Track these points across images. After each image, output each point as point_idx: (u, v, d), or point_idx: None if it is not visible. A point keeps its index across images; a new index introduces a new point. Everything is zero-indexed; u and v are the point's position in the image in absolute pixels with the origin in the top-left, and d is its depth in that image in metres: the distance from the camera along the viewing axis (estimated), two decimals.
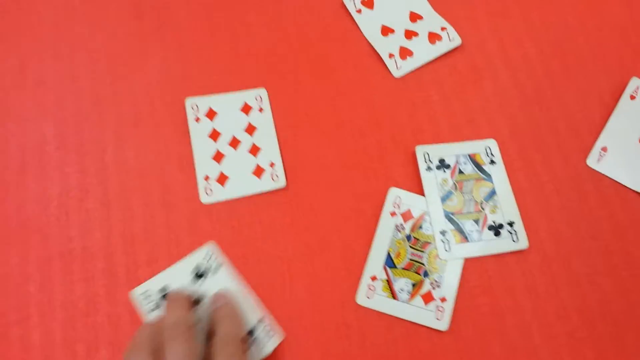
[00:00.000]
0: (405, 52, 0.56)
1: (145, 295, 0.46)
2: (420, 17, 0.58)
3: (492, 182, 0.51)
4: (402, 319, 0.47)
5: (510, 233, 0.50)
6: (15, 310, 0.47)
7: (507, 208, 0.51)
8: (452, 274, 0.48)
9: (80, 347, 0.46)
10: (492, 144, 0.53)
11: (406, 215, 0.50)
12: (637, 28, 0.58)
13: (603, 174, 0.53)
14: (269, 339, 0.45)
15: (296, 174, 0.52)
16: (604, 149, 0.53)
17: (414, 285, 0.48)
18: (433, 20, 0.57)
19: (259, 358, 0.45)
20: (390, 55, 0.56)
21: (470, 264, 0.49)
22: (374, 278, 0.48)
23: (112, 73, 0.55)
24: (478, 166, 0.52)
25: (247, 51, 0.56)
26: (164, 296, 0.46)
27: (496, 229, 0.50)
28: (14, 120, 0.53)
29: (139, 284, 0.47)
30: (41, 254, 0.48)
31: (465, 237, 0.50)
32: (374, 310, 0.47)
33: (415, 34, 0.57)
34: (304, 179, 0.52)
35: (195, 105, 0.54)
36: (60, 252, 0.48)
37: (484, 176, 0.52)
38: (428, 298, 0.48)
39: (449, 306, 0.47)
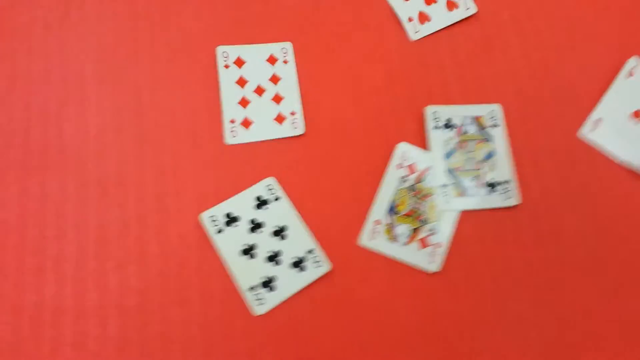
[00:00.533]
0: (424, 17, 0.60)
1: (213, 219, 0.51)
2: None
3: (493, 143, 0.56)
4: (398, 260, 0.53)
5: (505, 190, 0.55)
6: (53, 227, 0.52)
7: (503, 167, 0.55)
8: (448, 224, 0.54)
9: (110, 265, 0.51)
10: (497, 108, 0.57)
11: (411, 168, 0.55)
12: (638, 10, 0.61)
13: (595, 144, 0.57)
14: (316, 269, 0.51)
15: (314, 124, 0.56)
16: (599, 121, 0.57)
17: (413, 230, 0.53)
18: None
19: (303, 284, 0.51)
20: (410, 19, 0.60)
21: (465, 216, 0.54)
22: (377, 222, 0.53)
23: (150, 16, 0.59)
24: (482, 128, 0.56)
25: (276, 6, 0.60)
26: (228, 221, 0.51)
27: (492, 186, 0.55)
28: (56, 56, 0.57)
29: (167, 213, 0.52)
30: (78, 179, 0.53)
31: (463, 191, 0.54)
32: (375, 252, 0.53)
33: (435, 1, 0.60)
34: (321, 129, 0.56)
35: (226, 53, 0.58)
36: (96, 179, 0.53)
37: (485, 137, 0.56)
38: (424, 243, 0.53)
39: (442, 251, 0.53)
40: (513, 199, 0.54)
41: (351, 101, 0.57)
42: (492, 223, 0.54)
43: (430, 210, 0.54)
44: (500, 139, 0.56)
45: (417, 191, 0.54)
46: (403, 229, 0.53)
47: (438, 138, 0.56)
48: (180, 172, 0.54)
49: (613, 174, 0.56)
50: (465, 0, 0.60)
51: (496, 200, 0.54)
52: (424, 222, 0.53)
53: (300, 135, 0.56)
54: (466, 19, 0.60)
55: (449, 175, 0.55)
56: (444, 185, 0.55)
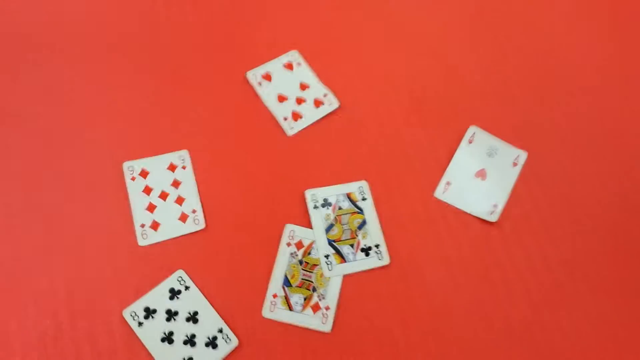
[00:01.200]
0: (296, 115, 0.72)
1: (133, 314, 0.61)
2: (307, 86, 0.73)
3: (363, 214, 0.68)
4: (297, 326, 0.63)
5: (377, 253, 0.66)
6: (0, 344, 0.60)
7: (374, 234, 0.67)
8: (334, 288, 0.64)
9: None
10: (364, 184, 0.69)
11: (299, 245, 0.66)
12: (474, 81, 0.76)
13: (447, 203, 0.69)
14: (227, 345, 0.60)
15: (214, 218, 0.67)
16: (448, 183, 0.70)
17: (305, 298, 0.64)
18: (317, 89, 0.73)
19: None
20: (285, 118, 0.71)
21: (348, 279, 0.65)
22: (275, 295, 0.64)
23: (65, 142, 0.68)
24: (353, 202, 0.68)
25: (171, 119, 0.71)
26: (147, 315, 0.61)
27: (366, 251, 0.66)
28: None
29: (94, 315, 0.61)
30: (16, 295, 0.62)
31: (343, 258, 0.66)
32: (276, 321, 0.63)
33: (304, 100, 0.72)
34: (220, 221, 0.67)
35: (132, 167, 0.68)
36: (31, 292, 0.62)
37: (357, 210, 0.68)
38: (316, 308, 0.63)
39: (331, 313, 0.63)
40: (384, 260, 0.66)
41: (243, 194, 0.68)
42: (370, 282, 0.65)
43: (318, 279, 0.64)
44: (369, 209, 0.68)
45: (305, 263, 0.65)
46: (297, 298, 0.64)
47: (318, 215, 0.67)
48: (102, 276, 0.63)
49: (467, 227, 0.69)
50: (329, 97, 0.73)
51: (370, 262, 0.66)
52: (314, 289, 0.64)
53: (202, 229, 0.66)
54: (331, 112, 0.72)
55: (330, 246, 0.66)
56: (327, 255, 0.65)
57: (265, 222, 0.67)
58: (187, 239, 0.66)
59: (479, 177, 0.71)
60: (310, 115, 0.72)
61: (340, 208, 0.68)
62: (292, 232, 0.66)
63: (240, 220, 0.67)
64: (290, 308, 0.63)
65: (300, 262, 0.65)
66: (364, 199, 0.68)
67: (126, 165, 0.68)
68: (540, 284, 0.67)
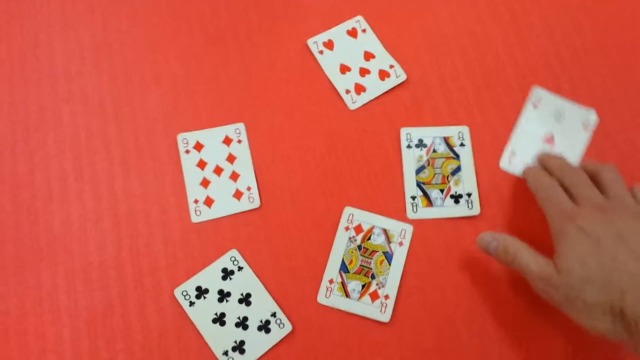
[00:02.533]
0: (359, 88, 0.67)
1: (184, 293, 0.59)
2: (373, 56, 0.68)
3: (459, 160, 0.64)
4: (353, 314, 0.59)
5: (467, 202, 0.62)
6: (49, 313, 0.60)
7: (467, 182, 0.63)
8: (394, 277, 0.60)
9: (101, 342, 0.59)
10: (464, 129, 0.65)
11: (357, 229, 0.62)
12: (518, 39, 0.70)
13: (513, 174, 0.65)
14: (280, 330, 0.58)
15: (269, 196, 0.63)
16: (514, 152, 0.65)
17: (363, 286, 0.60)
18: (384, 59, 0.68)
19: (269, 345, 0.58)
20: (347, 91, 0.67)
21: (409, 270, 0.61)
22: (331, 281, 0.60)
23: (116, 111, 0.66)
24: (450, 147, 0.64)
25: (227, 91, 0.67)
26: (198, 294, 0.59)
27: (456, 198, 0.62)
28: (39, 156, 0.65)
29: (145, 292, 0.59)
30: (67, 268, 0.61)
31: (430, 203, 0.62)
32: (332, 308, 0.60)
33: (368, 72, 0.67)
34: (275, 200, 0.63)
35: (185, 139, 0.65)
36: (82, 266, 0.61)
37: (453, 155, 0.64)
38: (374, 296, 0.60)
39: (391, 302, 0.60)
40: (474, 210, 0.62)
41: (300, 171, 0.64)
42: (432, 271, 0.61)
43: (378, 266, 0.61)
44: (466, 156, 0.64)
45: (364, 249, 0.61)
46: (354, 285, 0.60)
47: (410, 155, 0.64)
48: (153, 253, 0.61)
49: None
50: (396, 69, 0.67)
51: (459, 211, 0.62)
52: (373, 276, 0.60)
53: (257, 208, 0.63)
54: (398, 85, 0.67)
55: (418, 188, 0.62)
56: (414, 197, 0.62)
57: (323, 203, 0.63)
58: (241, 217, 0.63)
59: (547, 143, 0.65)
60: (375, 88, 0.67)
61: (434, 151, 0.64)
62: (352, 215, 0.62)
63: (297, 200, 0.63)
64: (347, 295, 0.60)
65: (359, 247, 0.61)
66: (462, 145, 0.64)
67: (180, 137, 0.65)
68: None
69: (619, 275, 0.47)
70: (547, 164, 0.61)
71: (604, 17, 0.72)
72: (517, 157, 0.64)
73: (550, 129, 0.65)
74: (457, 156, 0.64)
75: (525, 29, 0.71)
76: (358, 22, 0.70)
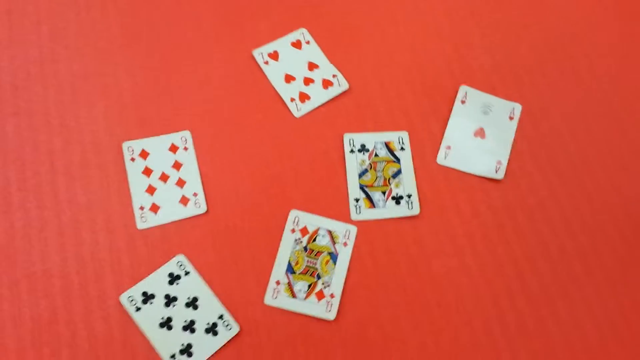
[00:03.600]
0: (304, 97, 0.69)
1: (130, 299, 0.58)
2: (316, 66, 0.71)
3: (400, 163, 0.66)
4: (300, 314, 0.60)
5: (407, 202, 0.65)
6: None
7: (408, 184, 0.66)
8: (339, 276, 0.62)
9: (46, 350, 0.58)
10: (404, 135, 0.68)
11: (303, 231, 0.63)
12: (454, 44, 0.74)
13: (451, 167, 0.68)
14: (227, 331, 0.58)
15: (216, 201, 0.64)
16: (449, 147, 0.68)
17: (309, 286, 0.61)
18: (327, 69, 0.70)
19: (216, 347, 0.58)
20: (292, 99, 0.69)
21: (353, 267, 0.62)
22: (278, 282, 0.61)
23: (61, 122, 0.66)
24: (391, 151, 0.67)
25: (173, 99, 0.68)
26: (145, 299, 0.59)
27: (397, 199, 0.65)
28: None
29: (90, 299, 0.59)
30: (10, 277, 0.60)
31: (373, 204, 0.64)
32: (278, 308, 0.60)
33: (312, 81, 0.70)
34: (222, 205, 0.64)
35: (131, 147, 0.66)
36: (25, 274, 0.60)
37: (394, 159, 0.66)
38: (320, 295, 0.61)
39: (336, 301, 0.61)
40: (414, 210, 0.64)
41: (247, 177, 0.65)
42: (375, 271, 0.62)
43: (323, 266, 0.62)
44: (406, 160, 0.67)
45: (310, 250, 0.62)
46: (301, 285, 0.61)
47: (353, 160, 0.66)
48: (98, 260, 0.61)
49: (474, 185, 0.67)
50: (338, 79, 0.70)
51: (400, 211, 0.65)
52: (319, 276, 0.62)
53: (203, 213, 0.64)
54: (341, 94, 0.69)
55: (361, 190, 0.64)
56: (357, 199, 0.64)
57: (269, 207, 0.65)
58: (187, 222, 0.63)
59: (478, 136, 0.68)
60: (319, 96, 0.69)
61: (376, 155, 0.66)
62: (297, 218, 0.64)
63: (244, 205, 0.64)
64: (293, 295, 0.61)
65: (305, 248, 0.63)
66: (402, 149, 0.67)
67: (126, 145, 0.66)
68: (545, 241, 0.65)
69: None
70: None
71: (529, 21, 0.76)
72: (452, 151, 0.67)
73: (479, 123, 0.69)
74: (398, 160, 0.67)
75: (458, 35, 0.74)
76: (302, 34, 0.72)
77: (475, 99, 0.70)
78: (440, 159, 0.67)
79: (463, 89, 0.70)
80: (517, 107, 0.70)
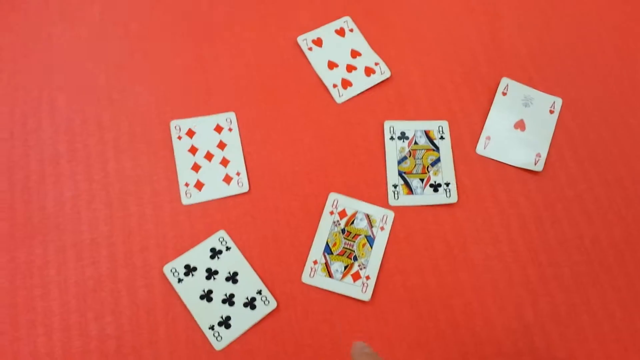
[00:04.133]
0: (346, 83, 0.70)
1: (173, 271, 0.61)
2: (359, 54, 0.72)
3: (439, 152, 0.67)
4: (336, 293, 0.62)
5: (446, 190, 0.66)
6: (39, 287, 0.61)
7: (446, 172, 0.67)
8: (376, 259, 0.63)
9: (90, 315, 0.60)
10: (444, 124, 0.68)
11: (342, 214, 0.65)
12: (492, 38, 0.74)
13: (490, 158, 0.69)
14: (265, 306, 0.60)
15: (258, 181, 0.66)
16: (488, 138, 0.69)
17: (346, 267, 0.63)
18: (369, 57, 0.72)
19: (254, 321, 0.60)
20: (334, 86, 0.70)
21: (390, 251, 0.64)
22: (315, 262, 0.63)
23: (110, 97, 0.69)
24: (430, 140, 0.68)
25: (219, 81, 0.70)
26: (187, 272, 0.61)
27: (435, 187, 0.66)
28: (33, 139, 0.67)
29: (134, 269, 0.61)
30: (58, 244, 0.63)
31: (411, 191, 0.66)
32: (315, 287, 0.62)
33: (355, 68, 0.71)
34: (263, 185, 0.66)
35: (178, 126, 0.68)
36: (73, 243, 0.63)
37: (433, 147, 0.67)
38: (356, 277, 0.62)
39: (372, 283, 0.62)
40: (452, 198, 0.65)
41: (289, 159, 0.67)
42: (412, 255, 0.64)
43: (360, 248, 0.63)
44: (445, 149, 0.68)
45: (347, 232, 0.64)
46: (337, 265, 0.63)
47: (393, 147, 0.67)
48: (144, 232, 0.63)
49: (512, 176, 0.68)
50: (380, 67, 0.71)
51: (438, 199, 0.66)
52: (355, 258, 0.63)
53: (245, 192, 0.65)
54: (382, 82, 0.71)
55: (400, 177, 0.66)
56: (395, 185, 0.66)
57: (309, 189, 0.66)
58: (230, 200, 0.65)
59: (518, 128, 0.69)
60: (361, 83, 0.71)
61: (416, 143, 0.67)
62: (336, 201, 0.65)
63: (284, 186, 0.66)
64: (330, 275, 0.62)
65: (343, 230, 0.64)
66: (442, 138, 0.68)
67: (173, 124, 0.68)
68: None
69: None
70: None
71: (569, 16, 0.77)
72: (491, 142, 0.68)
73: (520, 115, 0.70)
74: (437, 148, 0.68)
75: (498, 28, 0.75)
76: (346, 22, 0.74)
77: (516, 91, 0.71)
78: (480, 149, 0.68)
79: (505, 81, 0.71)
80: (558, 101, 0.71)
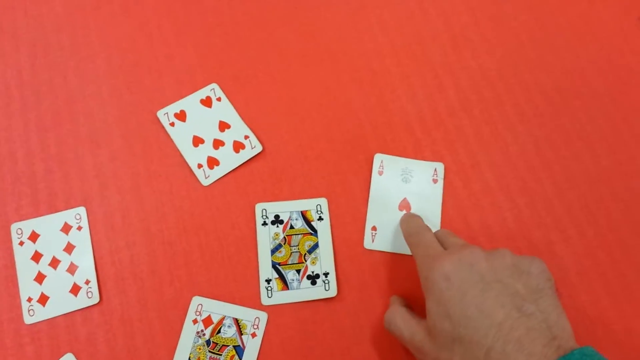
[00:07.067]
0: (213, 162, 0.62)
1: None
2: (228, 126, 0.63)
3: (317, 236, 0.59)
4: None
5: (324, 282, 0.57)
6: None
7: (325, 260, 0.58)
8: None
9: None
10: (323, 202, 0.60)
11: (207, 321, 0.56)
12: (368, 113, 0.65)
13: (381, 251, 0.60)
14: None
15: (110, 289, 0.58)
16: (374, 228, 0.60)
17: None
18: (239, 129, 0.63)
19: None
20: (199, 166, 0.61)
21: (262, 357, 0.55)
22: None
23: None
24: (307, 222, 0.59)
25: (68, 171, 0.61)
26: None
27: (313, 279, 0.57)
28: None
29: None
30: None
31: (286, 285, 0.57)
32: None
33: (222, 144, 0.62)
34: (117, 293, 0.58)
35: (20, 229, 0.59)
36: None
37: (310, 231, 0.58)
38: None
39: None
40: (330, 291, 0.57)
41: (146, 258, 0.58)
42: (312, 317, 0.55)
43: None
44: (324, 231, 0.59)
45: (213, 344, 0.55)
46: None
47: (265, 234, 0.59)
48: None
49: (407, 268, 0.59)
50: (251, 140, 0.62)
51: (316, 293, 0.57)
52: None
53: (96, 303, 0.57)
54: (253, 157, 0.62)
55: (273, 269, 0.57)
56: (268, 280, 0.57)
57: (169, 293, 0.58)
58: (78, 315, 0.57)
59: (404, 209, 0.60)
60: (229, 161, 0.62)
61: (292, 227, 0.59)
62: (200, 305, 0.57)
63: (141, 292, 0.58)
64: None
65: (208, 342, 0.55)
66: (320, 219, 0.59)
67: (14, 227, 0.59)
68: None
69: (485, 329, 0.42)
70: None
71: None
72: (378, 232, 0.59)
73: (401, 193, 0.61)
74: (315, 232, 0.59)
75: (386, 91, 0.66)
76: (213, 90, 0.65)
77: (393, 167, 0.62)
78: (368, 244, 0.59)
79: (378, 158, 0.62)
80: (440, 167, 0.62)
